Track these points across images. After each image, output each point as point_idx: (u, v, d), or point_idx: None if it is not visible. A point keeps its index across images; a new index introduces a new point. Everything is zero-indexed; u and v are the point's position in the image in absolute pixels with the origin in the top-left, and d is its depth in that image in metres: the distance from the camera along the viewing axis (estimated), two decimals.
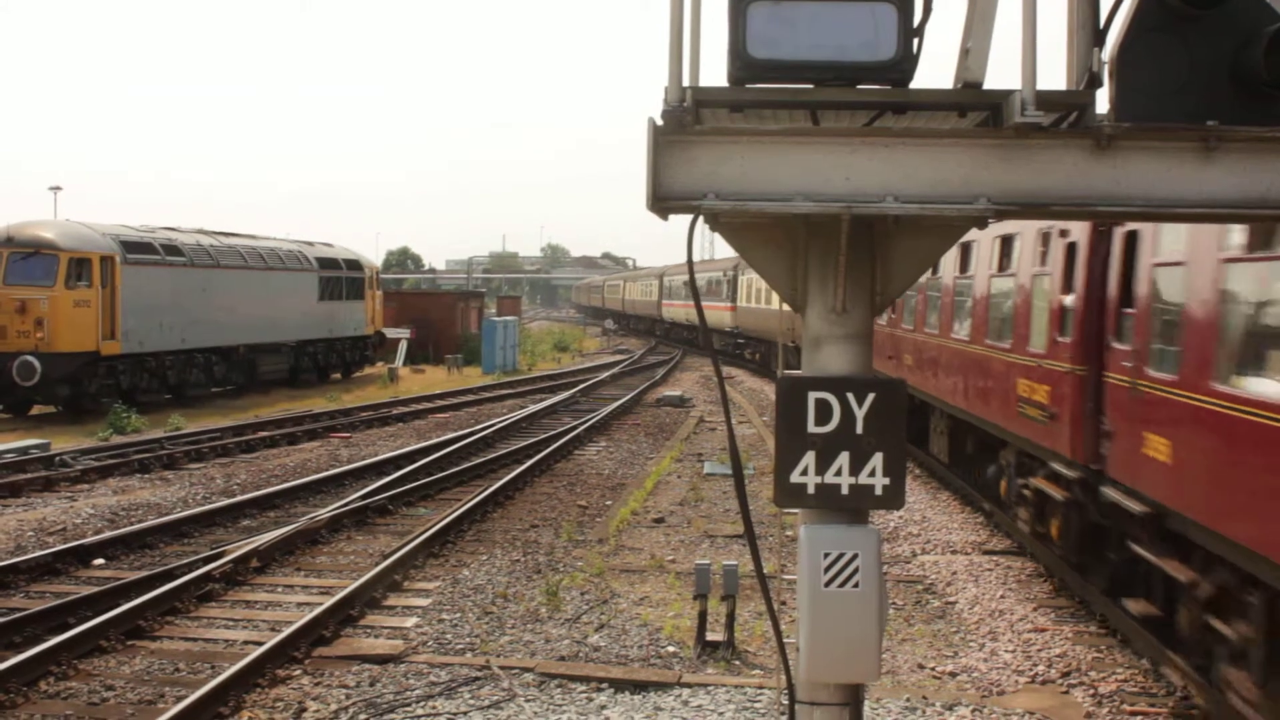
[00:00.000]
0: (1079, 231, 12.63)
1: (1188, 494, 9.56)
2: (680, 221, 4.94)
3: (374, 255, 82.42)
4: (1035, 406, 13.73)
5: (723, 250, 76.67)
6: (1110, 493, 11.31)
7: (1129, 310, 11.26)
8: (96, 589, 13.16)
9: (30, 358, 29.63)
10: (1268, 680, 8.38)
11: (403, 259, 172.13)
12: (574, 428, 28.37)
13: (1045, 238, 13.86)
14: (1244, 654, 8.84)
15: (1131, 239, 11.25)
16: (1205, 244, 9.38)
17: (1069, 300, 12.79)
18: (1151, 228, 10.74)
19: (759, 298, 47.81)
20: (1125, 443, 11.07)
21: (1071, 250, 12.83)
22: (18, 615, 11.97)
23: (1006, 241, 15.70)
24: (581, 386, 40.93)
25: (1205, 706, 9.73)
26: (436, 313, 60.14)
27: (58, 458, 22.77)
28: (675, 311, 71.97)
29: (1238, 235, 8.86)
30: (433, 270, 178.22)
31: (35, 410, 32.06)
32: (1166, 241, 10.37)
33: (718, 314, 58.32)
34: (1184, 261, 9.82)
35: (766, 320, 46.50)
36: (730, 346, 56.99)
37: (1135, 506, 10.59)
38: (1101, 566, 12.34)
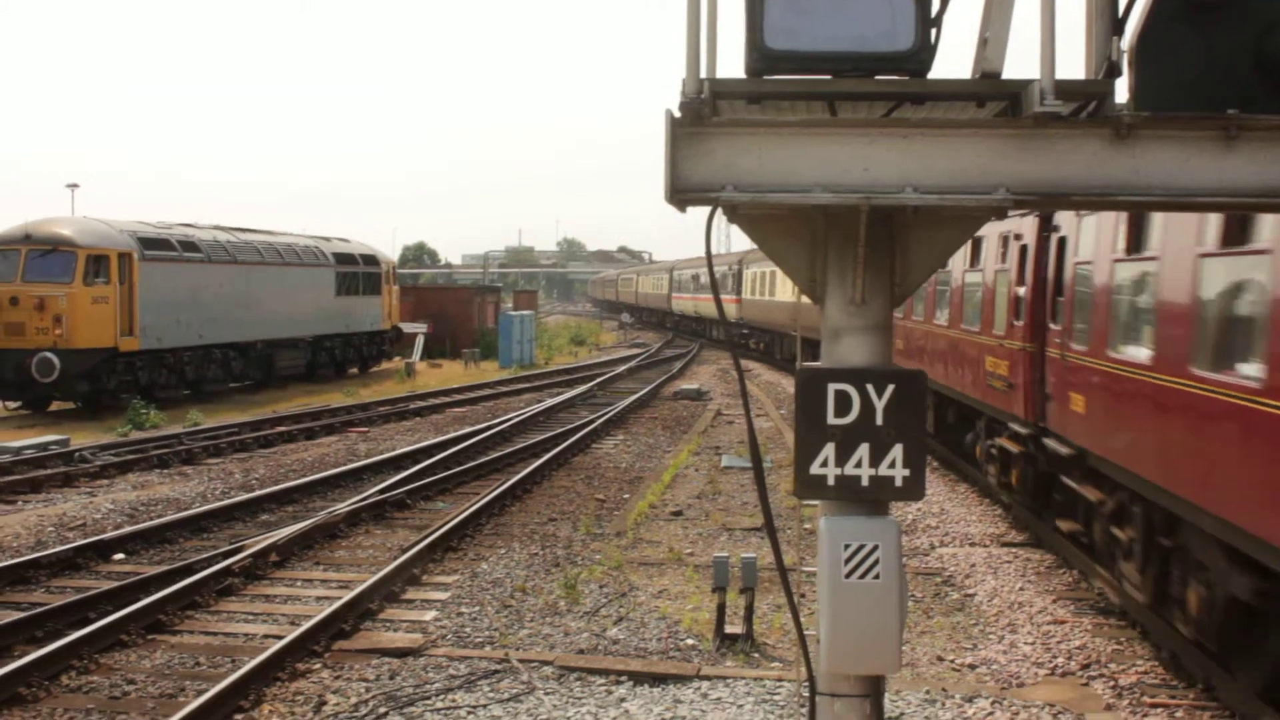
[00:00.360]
0: (1029, 235, 15.19)
1: (1095, 436, 12.28)
2: (697, 214, 4.93)
3: (390, 250, 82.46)
4: (999, 379, 16.48)
5: (739, 244, 76.82)
6: (1050, 443, 13.92)
7: (1060, 299, 14.00)
8: (117, 584, 13.22)
9: (49, 354, 29.75)
10: (1145, 568, 11.17)
11: (419, 254, 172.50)
12: (591, 421, 28.39)
13: (1005, 240, 16.48)
14: (1131, 551, 11.47)
15: (1062, 243, 13.99)
16: (1104, 246, 12.18)
17: (1021, 291, 15.49)
18: (1074, 232, 13.42)
19: (763, 291, 50.48)
20: (1058, 402, 13.82)
21: (1024, 251, 15.48)
22: (39, 610, 12.02)
23: (976, 243, 18.01)
24: (598, 380, 40.95)
25: (1227, 699, 9.72)
26: (453, 307, 60.21)
27: (77, 453, 22.86)
28: (684, 304, 75.15)
29: (1122, 240, 11.56)
30: (449, 265, 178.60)
31: (54, 406, 32.18)
32: (1083, 244, 13.09)
33: (724, 306, 55.01)
34: (1091, 260, 12.67)
35: (770, 312, 48.79)
36: (736, 337, 57.07)
37: (1064, 450, 13.23)
38: (1049, 503, 15.05)
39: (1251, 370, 8.53)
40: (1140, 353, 10.85)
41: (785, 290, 45.13)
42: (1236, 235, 8.92)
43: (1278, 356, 8.11)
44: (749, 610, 11.55)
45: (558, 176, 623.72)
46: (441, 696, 10.06)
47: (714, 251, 5.25)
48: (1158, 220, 10.57)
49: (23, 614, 11.98)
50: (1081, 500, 13.15)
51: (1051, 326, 14.32)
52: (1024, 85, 4.53)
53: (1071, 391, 13.14)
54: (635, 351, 61.14)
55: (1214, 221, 9.15)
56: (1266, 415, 8.25)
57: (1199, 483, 9.43)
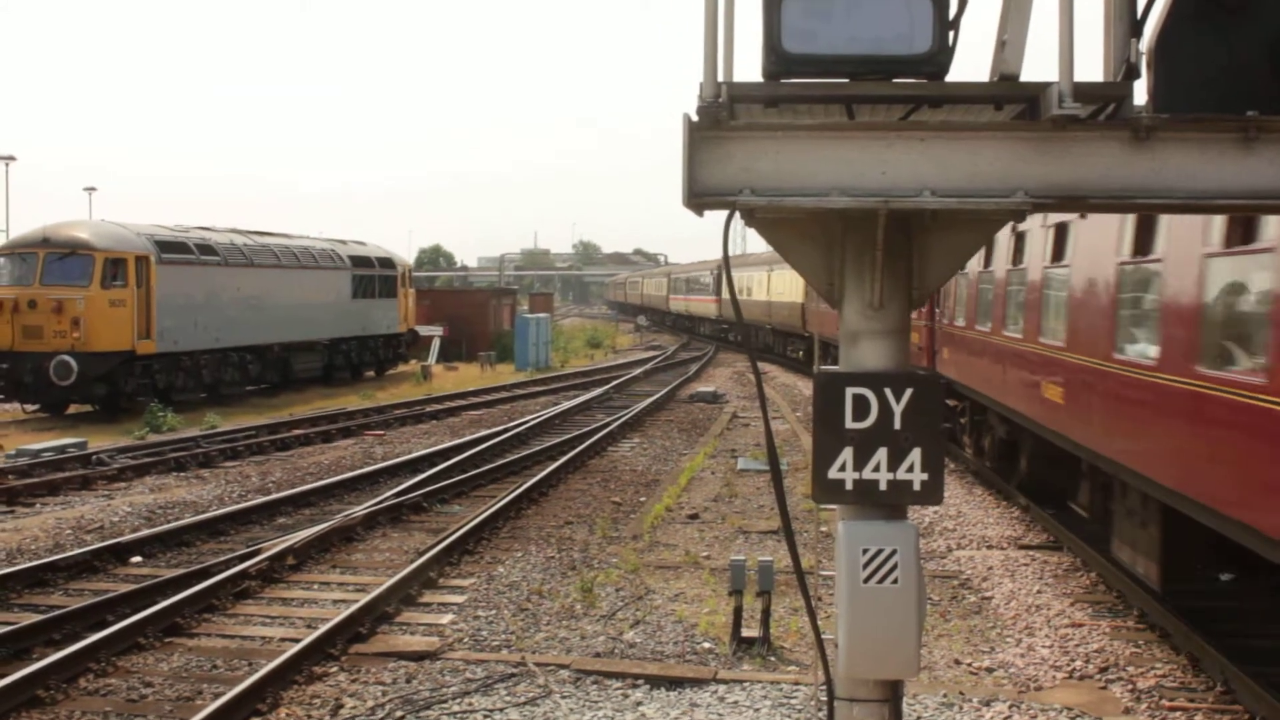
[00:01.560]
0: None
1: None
2: (714, 216, 4.93)
3: (406, 253, 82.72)
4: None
5: (755, 246, 78.70)
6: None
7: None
8: (134, 587, 13.25)
9: (67, 357, 29.85)
10: (999, 461, 17.90)
11: (435, 257, 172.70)
12: (607, 424, 28.39)
13: None
14: (982, 451, 18.00)
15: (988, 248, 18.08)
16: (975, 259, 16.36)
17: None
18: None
19: (744, 293, 58.97)
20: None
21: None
22: (57, 613, 12.05)
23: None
24: (615, 383, 40.95)
25: (1249, 705, 9.67)
26: (469, 310, 60.29)
27: (95, 456, 22.92)
28: (679, 304, 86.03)
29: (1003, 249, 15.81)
30: (465, 268, 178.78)
31: (72, 409, 32.29)
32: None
33: (705, 305, 73.85)
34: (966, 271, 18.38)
35: (749, 312, 56.06)
36: (716, 332, 71.53)
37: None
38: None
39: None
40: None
41: (760, 292, 55.14)
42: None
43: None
44: (766, 614, 11.53)
45: (574, 178, 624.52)
46: (458, 700, 10.06)
47: (718, 254, 5.24)
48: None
49: (41, 616, 12.01)
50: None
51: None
52: (1042, 88, 4.52)
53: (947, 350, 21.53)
54: (651, 354, 61.15)
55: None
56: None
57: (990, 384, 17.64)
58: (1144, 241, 11.36)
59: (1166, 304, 10.51)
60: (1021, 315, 15.97)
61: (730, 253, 5.23)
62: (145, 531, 16.23)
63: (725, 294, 59.50)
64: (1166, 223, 10.64)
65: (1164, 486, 10.48)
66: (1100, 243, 12.61)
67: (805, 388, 38.68)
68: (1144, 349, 11.19)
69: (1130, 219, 11.56)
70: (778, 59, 4.51)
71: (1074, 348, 13.39)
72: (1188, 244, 10.06)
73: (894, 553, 4.82)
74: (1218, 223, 9.46)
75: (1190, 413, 9.97)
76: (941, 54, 4.49)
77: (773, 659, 11.11)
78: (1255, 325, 8.96)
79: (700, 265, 79.08)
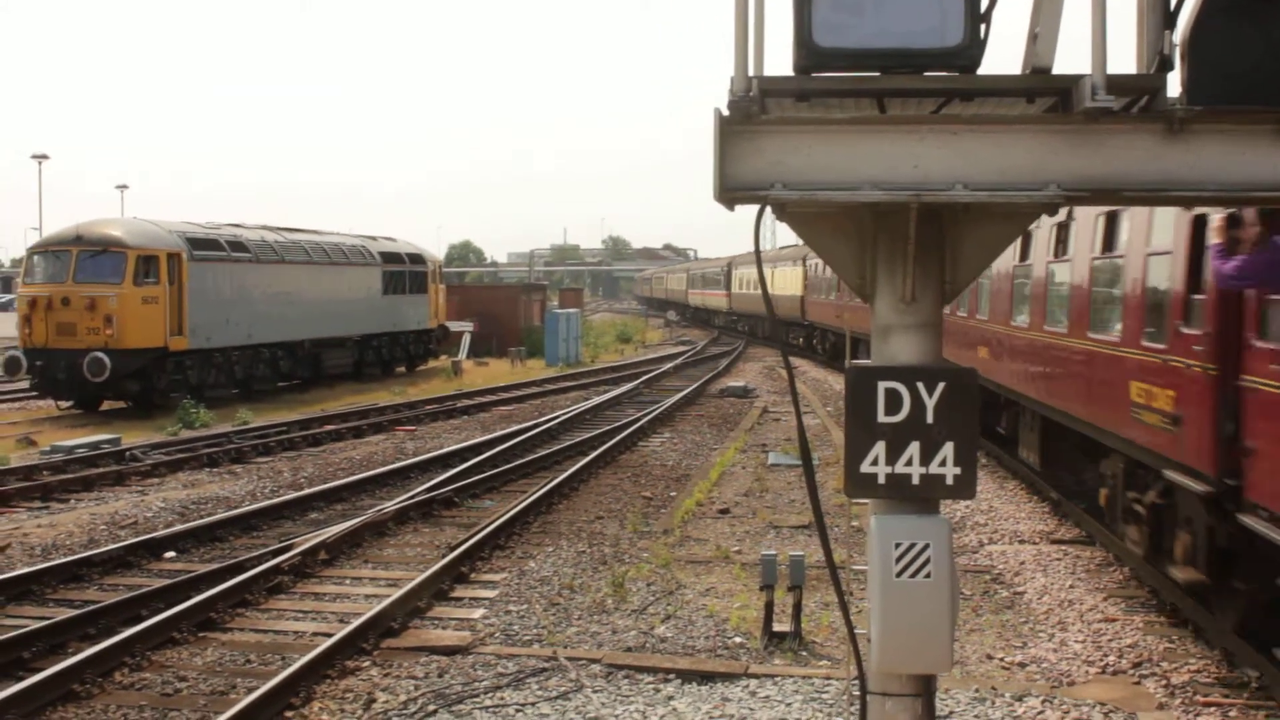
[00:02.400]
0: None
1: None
2: (744, 210, 4.93)
3: (436, 249, 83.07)
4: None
5: (784, 239, 79.60)
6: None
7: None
8: (168, 581, 13.33)
9: (100, 354, 30.00)
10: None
11: (464, 252, 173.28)
12: (638, 419, 28.39)
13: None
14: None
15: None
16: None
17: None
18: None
19: (747, 287, 67.61)
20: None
21: None
22: (92, 608, 12.13)
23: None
24: (645, 378, 40.95)
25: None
26: (499, 306, 60.36)
27: (128, 452, 23.05)
28: (697, 299, 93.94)
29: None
30: (494, 263, 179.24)
31: (105, 406, 32.43)
32: None
33: (719, 299, 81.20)
34: None
35: (752, 303, 65.94)
36: (727, 323, 78.59)
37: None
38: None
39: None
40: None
41: (782, 287, 57.02)
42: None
43: None
44: (797, 608, 11.52)
45: (603, 173, 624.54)
46: (490, 694, 10.09)
47: (739, 249, 5.23)
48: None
49: (76, 611, 12.09)
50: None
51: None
52: (1075, 80, 4.50)
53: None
54: (681, 349, 61.09)
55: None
56: None
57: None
58: (1062, 244, 15.38)
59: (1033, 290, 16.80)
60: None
61: (760, 247, 5.23)
62: (179, 527, 16.31)
63: (735, 289, 70.96)
64: (1074, 230, 13.93)
65: (1044, 404, 16.10)
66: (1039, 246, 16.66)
67: (836, 383, 38.61)
68: (1025, 319, 17.33)
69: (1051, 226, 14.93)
70: (809, 53, 4.52)
71: (992, 320, 19.70)
72: (1084, 248, 14.15)
73: (926, 547, 4.81)
74: (1100, 233, 13.23)
75: (1059, 358, 15.41)
76: (973, 47, 4.49)
77: (804, 654, 11.10)
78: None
79: (714, 261, 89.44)
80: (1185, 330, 10.90)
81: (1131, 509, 12.76)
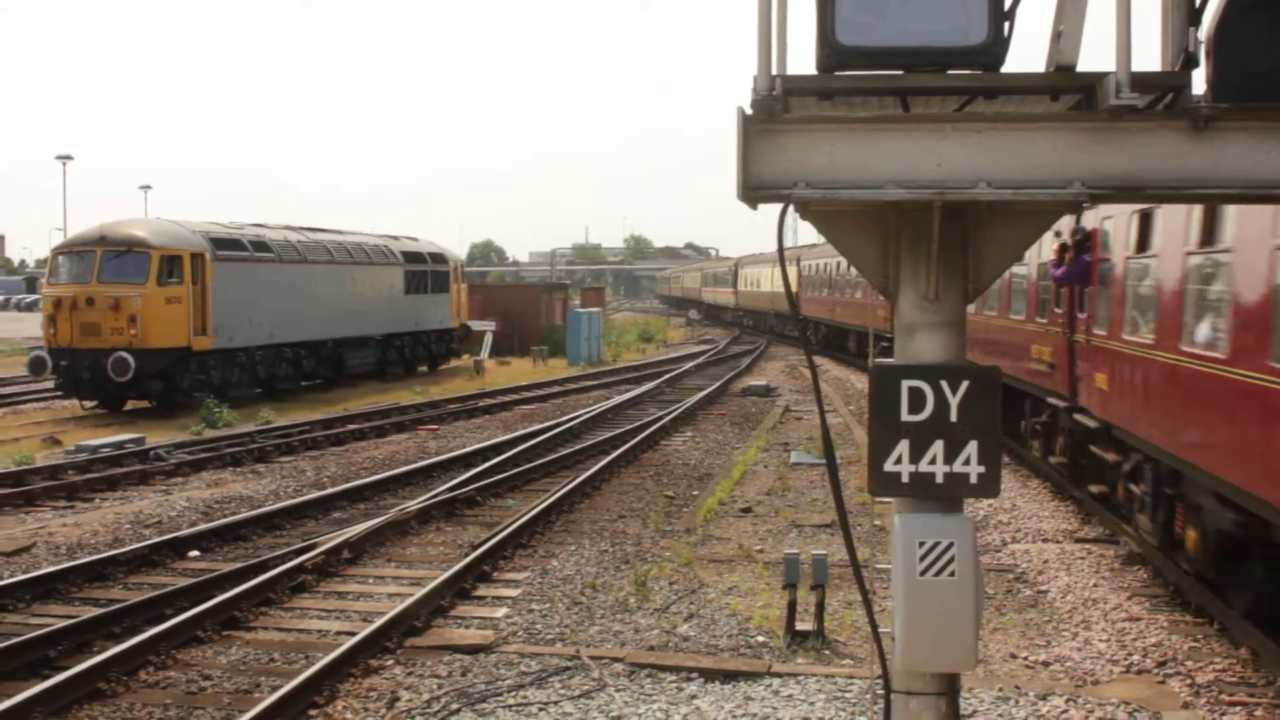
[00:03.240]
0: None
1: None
2: (766, 209, 4.93)
3: (458, 248, 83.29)
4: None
5: (806, 238, 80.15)
6: None
7: None
8: (192, 580, 13.38)
9: (124, 354, 30.11)
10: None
11: (486, 252, 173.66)
12: (660, 418, 28.39)
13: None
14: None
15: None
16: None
17: None
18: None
19: (751, 285, 75.37)
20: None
21: None
22: (118, 606, 12.20)
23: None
24: (666, 377, 40.94)
25: None
26: (521, 305, 60.41)
27: (152, 452, 23.15)
28: (709, 296, 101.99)
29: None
30: (516, 263, 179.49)
31: (129, 405, 32.59)
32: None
33: (726, 297, 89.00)
34: None
35: (756, 300, 74.19)
36: (733, 319, 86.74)
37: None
38: None
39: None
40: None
41: (766, 284, 68.91)
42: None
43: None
44: (820, 607, 11.51)
45: (625, 172, 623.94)
46: (513, 693, 10.11)
47: (771, 247, 5.23)
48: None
49: (102, 610, 12.15)
50: None
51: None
52: (1099, 78, 4.49)
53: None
54: (703, 348, 61.09)
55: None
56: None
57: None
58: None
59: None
60: None
61: (783, 246, 5.23)
62: (202, 526, 16.38)
63: (741, 287, 79.90)
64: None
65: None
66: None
67: (859, 381, 38.55)
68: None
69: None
70: (832, 52, 4.51)
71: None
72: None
73: (951, 545, 4.81)
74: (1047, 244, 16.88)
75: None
76: (996, 45, 4.48)
77: (827, 652, 11.09)
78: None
79: (725, 261, 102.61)
80: (1054, 310, 17.60)
81: (1034, 428, 19.21)
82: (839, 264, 45.86)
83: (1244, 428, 10.30)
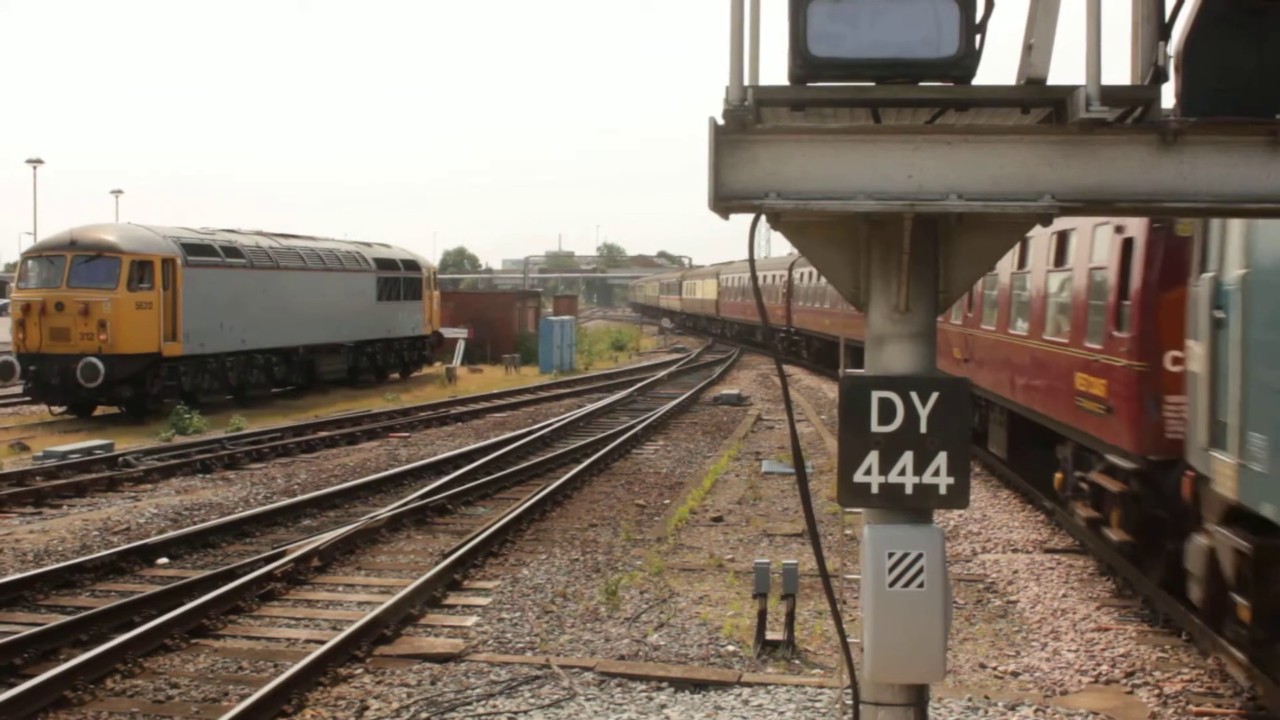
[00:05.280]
0: None
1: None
2: (738, 219, 4.94)
3: (431, 255, 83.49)
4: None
5: (779, 249, 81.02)
6: None
7: None
8: (161, 588, 13.31)
9: (94, 359, 29.94)
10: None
11: (459, 259, 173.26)
12: (631, 427, 28.39)
13: None
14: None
15: None
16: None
17: None
18: None
19: (694, 294, 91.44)
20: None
21: None
22: (84, 614, 12.12)
23: None
24: (639, 385, 40.96)
25: (1272, 708, 9.63)
26: (494, 312, 60.30)
27: (121, 458, 23.02)
28: (664, 302, 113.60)
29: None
30: (489, 270, 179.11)
31: (98, 411, 32.42)
32: None
33: (674, 302, 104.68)
34: None
35: (695, 306, 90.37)
36: (678, 321, 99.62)
37: None
38: None
39: None
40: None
41: (699, 294, 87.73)
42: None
43: None
44: (790, 617, 11.52)
45: (598, 180, 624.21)
46: (483, 702, 10.08)
47: (734, 257, 5.25)
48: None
49: (68, 618, 12.07)
50: None
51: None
52: (1069, 91, 4.51)
53: None
54: (676, 356, 61.13)
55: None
56: None
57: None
58: None
59: None
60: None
61: (754, 257, 5.23)
62: (171, 533, 16.30)
63: (685, 295, 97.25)
64: None
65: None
66: None
67: (830, 391, 38.64)
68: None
69: None
70: (804, 63, 4.52)
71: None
72: None
73: (920, 556, 4.82)
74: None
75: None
76: (968, 57, 4.49)
77: (797, 662, 11.10)
78: None
79: (674, 273, 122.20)
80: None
81: None
82: (760, 276, 61.40)
83: (1029, 374, 17.17)
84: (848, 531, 15.11)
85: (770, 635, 11.48)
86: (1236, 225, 9.16)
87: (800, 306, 50.05)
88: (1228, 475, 9.20)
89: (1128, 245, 12.97)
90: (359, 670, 10.89)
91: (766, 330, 45.08)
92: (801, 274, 49.24)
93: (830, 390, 38.69)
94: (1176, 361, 11.86)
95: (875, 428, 4.80)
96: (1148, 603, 12.75)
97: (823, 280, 45.44)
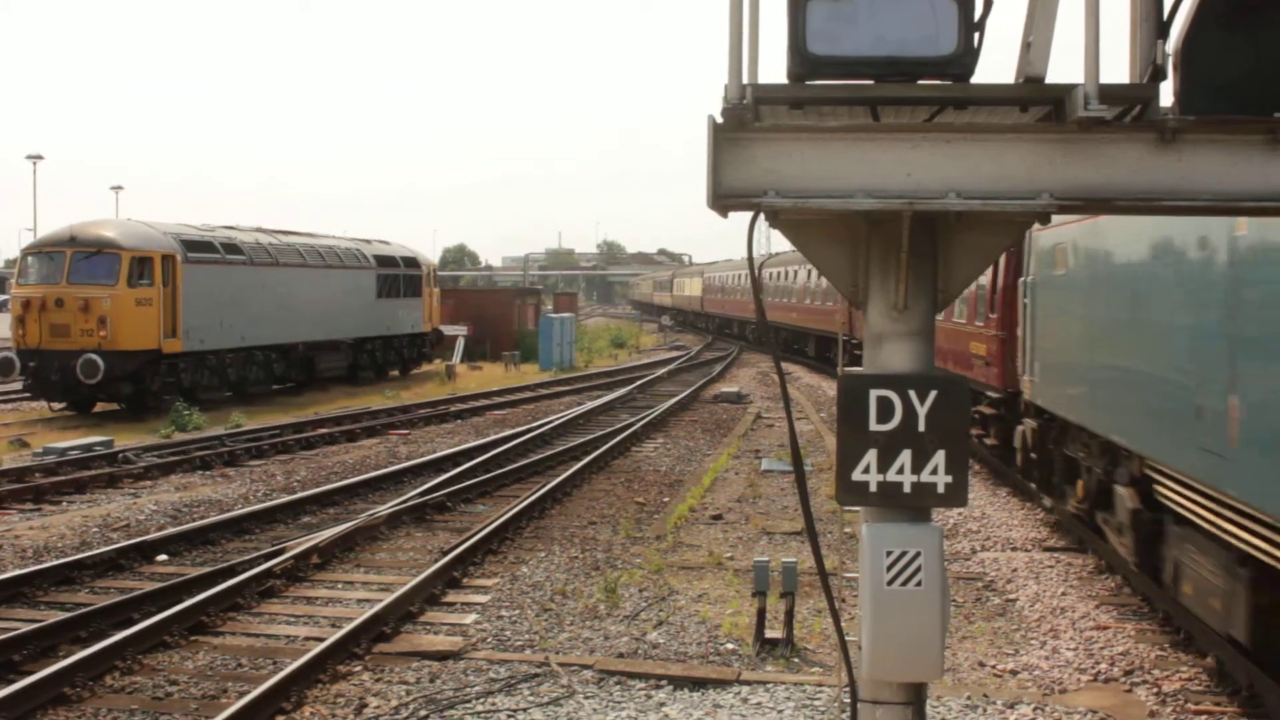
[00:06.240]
0: None
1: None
2: (738, 216, 4.94)
3: (431, 252, 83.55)
4: None
5: (778, 246, 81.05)
6: None
7: None
8: (160, 585, 13.32)
9: (94, 356, 29.96)
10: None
11: (459, 256, 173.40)
12: (631, 424, 28.39)
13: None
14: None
15: None
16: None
17: None
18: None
19: (681, 291, 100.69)
20: None
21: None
22: (83, 610, 12.11)
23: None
24: (639, 383, 40.96)
25: (1273, 705, 9.63)
26: (493, 310, 60.29)
27: (121, 455, 23.02)
28: (658, 299, 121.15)
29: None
30: (489, 267, 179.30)
31: (99, 408, 32.44)
32: None
33: (666, 299, 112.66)
34: None
35: (689, 303, 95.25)
36: (669, 317, 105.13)
37: None
38: None
39: None
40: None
41: (690, 290, 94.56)
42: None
43: None
44: (789, 615, 11.52)
45: (598, 178, 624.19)
46: (482, 700, 10.08)
47: (735, 255, 5.27)
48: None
49: (68, 614, 12.08)
50: None
51: None
52: (1068, 90, 4.51)
53: None
54: (675, 354, 61.13)
55: None
56: None
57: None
58: None
59: None
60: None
61: (753, 255, 5.23)
62: (171, 530, 16.31)
63: (675, 293, 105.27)
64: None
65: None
66: None
67: (830, 389, 38.64)
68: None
69: None
70: (802, 61, 4.52)
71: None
72: None
73: (918, 555, 4.81)
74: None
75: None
76: (967, 56, 4.49)
77: (796, 660, 11.10)
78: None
79: (666, 271, 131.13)
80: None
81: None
82: (732, 276, 72.44)
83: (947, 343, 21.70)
84: (846, 530, 15.10)
85: (769, 633, 11.48)
86: (1029, 246, 15.88)
87: (770, 302, 58.75)
88: (1027, 387, 15.99)
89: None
90: (358, 668, 10.89)
91: (761, 325, 45.49)
92: (771, 273, 59.13)
93: (830, 388, 38.70)
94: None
95: (873, 426, 4.79)
96: (1147, 600, 12.75)
97: (788, 279, 54.05)
